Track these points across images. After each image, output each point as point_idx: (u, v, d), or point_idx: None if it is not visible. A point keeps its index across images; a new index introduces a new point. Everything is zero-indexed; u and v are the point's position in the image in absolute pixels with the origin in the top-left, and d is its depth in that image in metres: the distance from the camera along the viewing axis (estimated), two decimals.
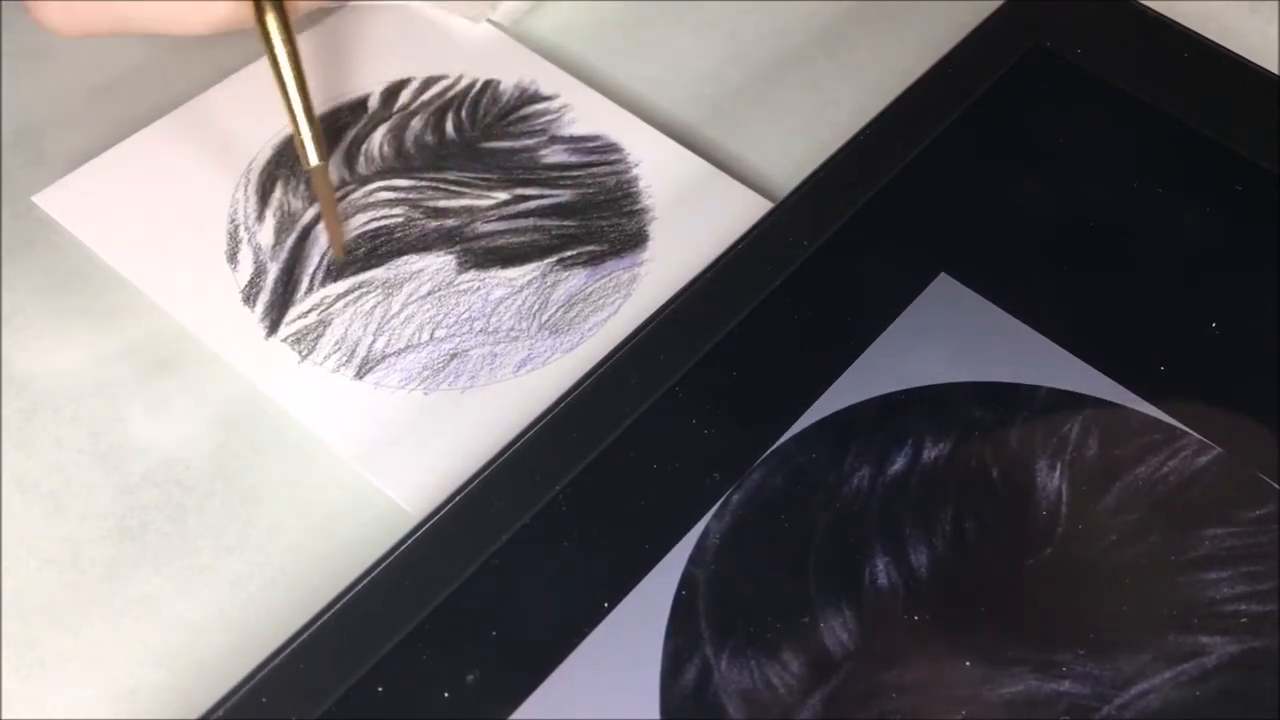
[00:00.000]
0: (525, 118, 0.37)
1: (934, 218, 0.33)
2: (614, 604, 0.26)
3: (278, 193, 0.35)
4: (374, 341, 0.32)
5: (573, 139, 0.36)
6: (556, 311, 0.33)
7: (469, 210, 0.35)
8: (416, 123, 0.36)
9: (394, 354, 0.32)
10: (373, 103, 0.37)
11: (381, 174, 0.35)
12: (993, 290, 0.32)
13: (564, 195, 0.35)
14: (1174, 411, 0.29)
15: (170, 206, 0.34)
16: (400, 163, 0.36)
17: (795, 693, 0.25)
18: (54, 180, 0.34)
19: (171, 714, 0.27)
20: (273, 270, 0.33)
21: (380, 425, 0.30)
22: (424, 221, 0.34)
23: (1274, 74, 0.36)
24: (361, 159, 0.36)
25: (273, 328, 0.32)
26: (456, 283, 0.33)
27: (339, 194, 0.35)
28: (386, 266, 0.33)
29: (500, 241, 0.34)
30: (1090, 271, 0.32)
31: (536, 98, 0.37)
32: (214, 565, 0.29)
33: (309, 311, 0.32)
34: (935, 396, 0.30)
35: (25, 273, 0.33)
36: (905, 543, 0.27)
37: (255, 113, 0.36)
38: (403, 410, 0.31)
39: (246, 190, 0.35)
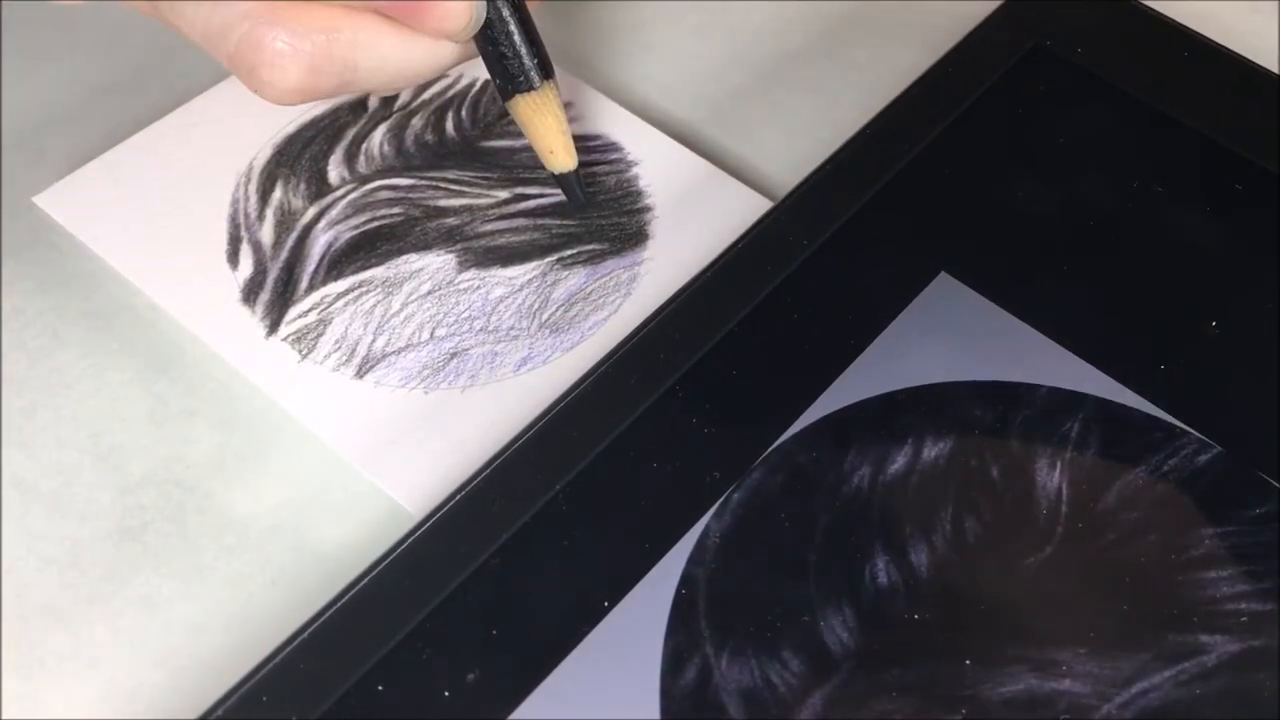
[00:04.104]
0: None
1: (934, 217, 0.33)
2: (614, 603, 0.26)
3: (278, 192, 0.35)
4: (374, 340, 0.32)
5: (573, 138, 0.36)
6: (556, 310, 0.33)
7: (469, 209, 0.35)
8: (416, 122, 0.36)
9: (394, 353, 0.32)
10: (372, 102, 0.37)
11: (381, 173, 0.35)
12: (993, 290, 0.32)
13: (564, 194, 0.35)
14: (1174, 410, 0.29)
15: (170, 206, 0.34)
16: (400, 162, 0.36)
17: (795, 692, 0.25)
18: (54, 180, 0.34)
19: (171, 714, 0.27)
20: (273, 270, 0.33)
21: (380, 424, 0.30)
22: (424, 221, 0.34)
23: (1274, 74, 0.36)
24: (361, 158, 0.36)
25: (273, 327, 0.32)
26: (456, 282, 0.33)
27: (340, 194, 0.35)
28: (386, 265, 0.33)
29: (500, 240, 0.34)
30: (1090, 270, 0.32)
31: None
32: (214, 565, 0.29)
33: (309, 311, 0.32)
34: (935, 395, 0.30)
35: (25, 273, 0.33)
36: (905, 542, 0.27)
37: (255, 113, 0.36)
38: (403, 409, 0.31)
39: (247, 190, 0.35)
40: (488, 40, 0.30)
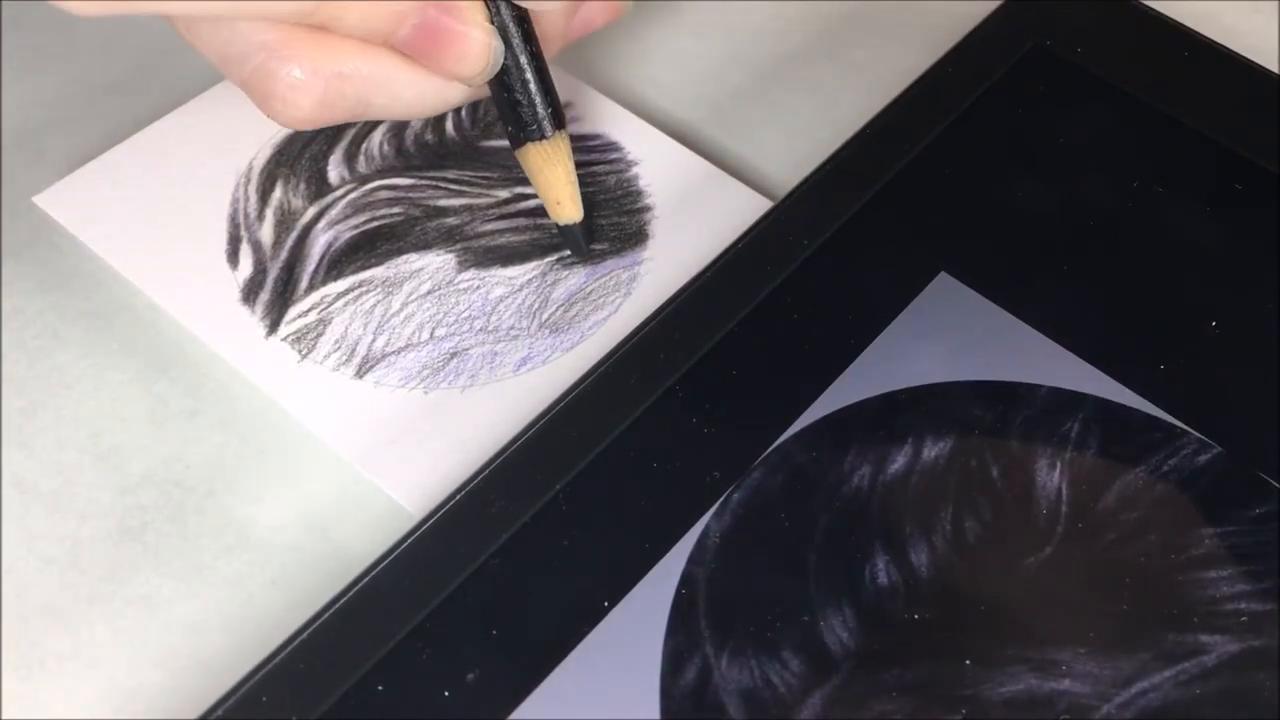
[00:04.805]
0: None
1: (934, 217, 0.33)
2: (614, 603, 0.26)
3: (278, 192, 0.35)
4: (374, 340, 0.32)
5: (572, 138, 0.36)
6: (556, 310, 0.33)
7: (469, 209, 0.35)
8: (416, 121, 0.36)
9: (394, 353, 0.32)
10: None
11: (381, 173, 0.35)
12: (993, 289, 0.32)
13: None
14: (1174, 410, 0.29)
15: (170, 206, 0.34)
16: (400, 162, 0.36)
17: (795, 692, 0.25)
18: (54, 180, 0.34)
19: (171, 714, 0.27)
20: (272, 269, 0.33)
21: (380, 424, 0.30)
22: (424, 220, 0.34)
23: (1274, 74, 0.36)
24: (361, 158, 0.36)
25: (272, 327, 0.32)
26: (456, 281, 0.33)
27: (340, 193, 0.35)
28: (386, 265, 0.33)
29: (500, 240, 0.34)
30: (1090, 270, 0.32)
31: None
32: (214, 565, 0.29)
33: (309, 310, 0.32)
34: (935, 395, 0.30)
35: (25, 273, 0.33)
36: (905, 542, 0.27)
37: (255, 112, 0.36)
38: (403, 409, 0.31)
39: (247, 189, 0.35)
40: (503, 87, 0.30)
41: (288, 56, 0.27)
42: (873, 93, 0.38)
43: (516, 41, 0.30)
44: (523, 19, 0.30)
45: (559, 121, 0.31)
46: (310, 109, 0.28)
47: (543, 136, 0.31)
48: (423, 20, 0.28)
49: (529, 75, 0.30)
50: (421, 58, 0.29)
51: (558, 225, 0.33)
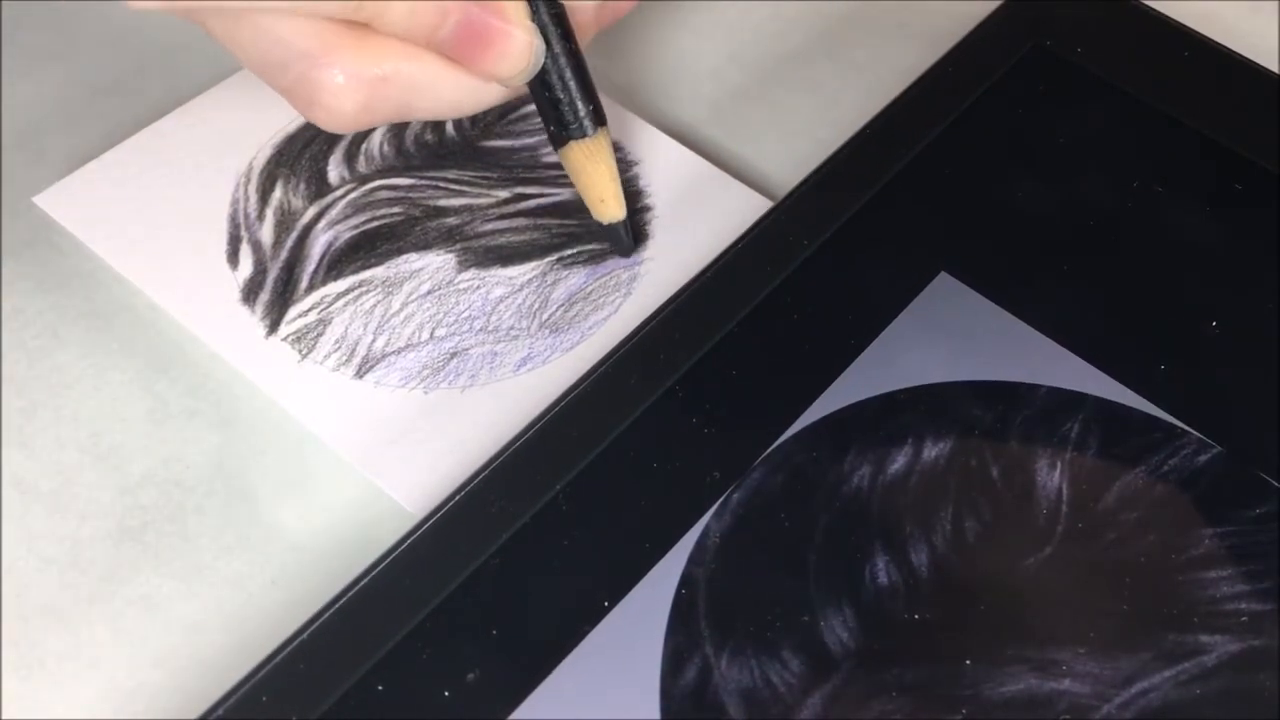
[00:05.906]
0: (525, 116, 0.37)
1: (934, 217, 0.33)
2: (614, 603, 0.26)
3: (278, 192, 0.35)
4: (374, 340, 0.32)
5: None
6: (556, 310, 0.33)
7: (469, 209, 0.35)
8: (416, 121, 0.36)
9: (394, 353, 0.32)
10: None
11: (381, 173, 0.35)
12: (993, 289, 0.32)
13: (564, 194, 0.35)
14: (1174, 410, 0.29)
15: (170, 206, 0.34)
16: (400, 161, 0.36)
17: (795, 692, 0.25)
18: (54, 180, 0.34)
19: (171, 714, 0.27)
20: (272, 269, 0.33)
21: (380, 424, 0.30)
22: (424, 220, 0.34)
23: (1274, 74, 0.36)
24: (361, 158, 0.36)
25: (273, 327, 0.32)
26: (456, 281, 0.33)
27: (340, 193, 0.35)
28: (386, 265, 0.33)
29: (500, 240, 0.34)
30: (1090, 270, 0.32)
31: None
32: (214, 565, 0.29)
33: (309, 310, 0.32)
34: (935, 395, 0.30)
35: (25, 273, 0.33)
36: (905, 542, 0.27)
37: (255, 112, 0.36)
38: (403, 409, 0.31)
39: (247, 190, 0.35)
40: (543, 85, 0.30)
41: (329, 63, 0.27)
42: (873, 93, 0.38)
43: (556, 40, 0.30)
44: (561, 17, 0.30)
45: (600, 118, 0.31)
46: (354, 113, 0.28)
47: (584, 134, 0.31)
48: (465, 17, 0.28)
49: (569, 73, 0.30)
50: (462, 57, 0.28)
51: (600, 224, 0.33)
